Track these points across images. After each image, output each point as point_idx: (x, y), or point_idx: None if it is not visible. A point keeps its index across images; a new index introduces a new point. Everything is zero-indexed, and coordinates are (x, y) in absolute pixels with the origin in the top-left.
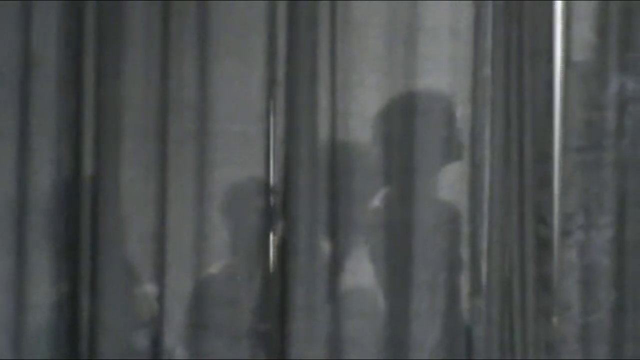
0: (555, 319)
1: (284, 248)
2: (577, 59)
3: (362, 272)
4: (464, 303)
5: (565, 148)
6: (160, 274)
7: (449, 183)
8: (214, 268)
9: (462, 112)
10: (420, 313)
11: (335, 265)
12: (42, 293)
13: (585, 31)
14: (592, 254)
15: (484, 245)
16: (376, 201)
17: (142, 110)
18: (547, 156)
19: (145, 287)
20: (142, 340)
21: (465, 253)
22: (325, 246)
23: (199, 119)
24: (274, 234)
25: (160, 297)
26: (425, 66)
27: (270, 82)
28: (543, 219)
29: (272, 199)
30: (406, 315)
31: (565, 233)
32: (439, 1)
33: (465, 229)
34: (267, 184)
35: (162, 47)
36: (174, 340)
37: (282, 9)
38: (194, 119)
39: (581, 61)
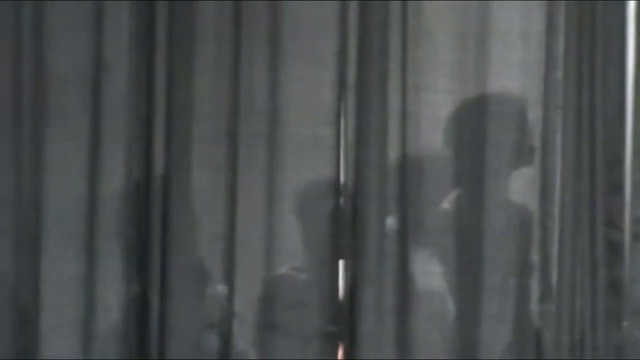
0: (625, 323)
1: (354, 250)
2: None
3: (431, 275)
4: (534, 307)
5: (636, 152)
6: (230, 275)
7: (520, 187)
8: (284, 269)
9: (533, 115)
10: (489, 317)
11: (405, 268)
12: (113, 294)
13: None
14: None
15: (554, 249)
16: (446, 204)
17: (212, 113)
18: (619, 161)
19: (216, 288)
20: (212, 341)
21: (535, 257)
22: (395, 249)
23: (269, 122)
24: (345, 237)
25: (230, 298)
26: (497, 69)
27: (341, 85)
28: (614, 223)
29: (342, 202)
30: (475, 318)
31: (636, 237)
32: (511, 4)
33: (535, 233)
34: (337, 186)
35: (233, 51)
36: (243, 341)
37: (353, 12)
38: (264, 122)
39: None
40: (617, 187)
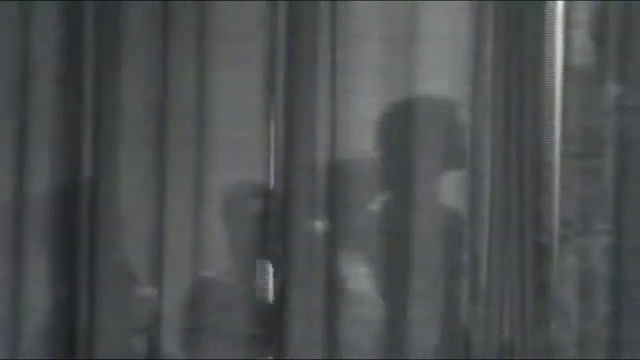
0: (553, 325)
1: (282, 253)
2: (576, 66)
3: (360, 278)
4: (463, 309)
5: (564, 155)
6: (157, 277)
7: (449, 190)
8: (211, 271)
9: (462, 118)
10: (418, 319)
11: (334, 271)
12: (40, 296)
13: (584, 37)
14: (591, 260)
15: (483, 251)
16: (375, 207)
17: (141, 115)
18: (547, 163)
19: (144, 290)
20: (140, 345)
21: (464, 259)
22: (323, 252)
23: (198, 125)
24: (272, 239)
25: (158, 301)
26: (425, 72)
27: (270, 89)
28: (542, 226)
29: (270, 204)
30: (404, 321)
31: (564, 239)
32: (439, 6)
33: (465, 235)
34: (266, 189)
35: (161, 53)
36: (171, 345)
37: (281, 13)
38: (193, 125)
39: (580, 68)
40: (545, 190)
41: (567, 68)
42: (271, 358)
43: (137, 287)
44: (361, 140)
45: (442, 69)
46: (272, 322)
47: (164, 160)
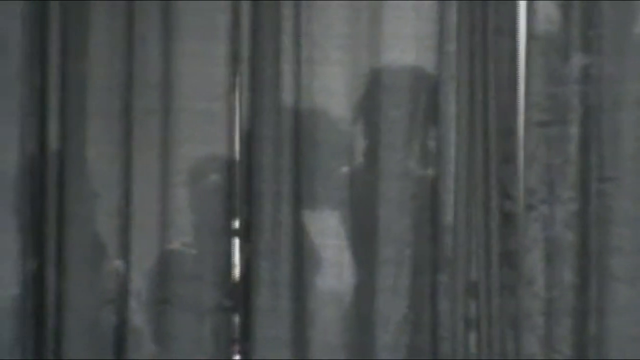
0: (519, 293)
1: (248, 224)
2: (540, 34)
3: (328, 247)
4: (429, 278)
5: (528, 123)
6: (126, 250)
7: (415, 158)
8: (176, 244)
9: (427, 87)
10: (385, 288)
11: (301, 241)
12: (9, 269)
13: (548, 6)
14: (556, 228)
15: (449, 220)
16: (342, 176)
17: (106, 88)
18: (511, 131)
19: (112, 263)
20: (108, 316)
21: (430, 228)
22: (290, 222)
23: (163, 97)
24: (239, 210)
25: (126, 273)
26: (390, 42)
27: (235, 59)
28: (507, 194)
29: (236, 176)
30: (372, 290)
31: (530, 207)
32: None
33: (431, 203)
34: (231, 160)
35: (126, 25)
36: (139, 317)
37: None
38: (158, 97)
39: (544, 36)
40: (510, 158)
41: (530, 36)
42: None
43: (106, 260)
44: (327, 110)
45: (407, 39)
46: (238, 292)
47: (130, 133)
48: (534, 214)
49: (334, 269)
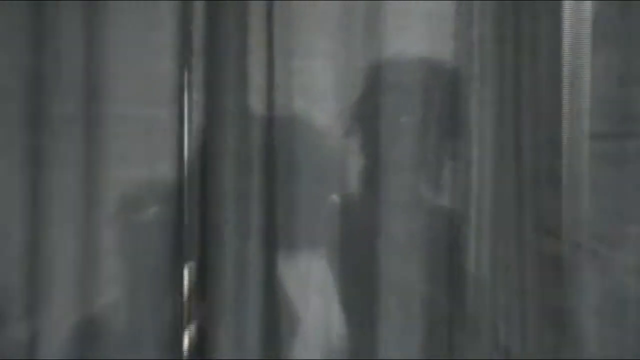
0: None
1: (202, 270)
2: (595, 17)
3: (310, 301)
4: (444, 342)
5: (577, 134)
6: (32, 311)
7: (427, 182)
8: (105, 299)
9: (442, 87)
10: (387, 356)
11: (273, 293)
12: None
13: None
14: (617, 275)
15: (469, 265)
16: (329, 206)
17: (6, 88)
18: (554, 145)
19: (14, 328)
20: None
21: (445, 276)
22: (259, 267)
23: (85, 100)
24: (189, 253)
25: (33, 342)
26: (394, 27)
27: (185, 50)
28: (549, 229)
29: (186, 207)
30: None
31: (579, 247)
32: None
33: (444, 243)
34: (179, 186)
35: (35, 6)
36: None
37: None
38: (78, 100)
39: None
40: (552, 181)
41: (581, 21)
42: None
43: (6, 324)
44: (310, 117)
45: (416, 22)
46: None
47: (39, 148)
48: (586, 256)
49: (318, 331)
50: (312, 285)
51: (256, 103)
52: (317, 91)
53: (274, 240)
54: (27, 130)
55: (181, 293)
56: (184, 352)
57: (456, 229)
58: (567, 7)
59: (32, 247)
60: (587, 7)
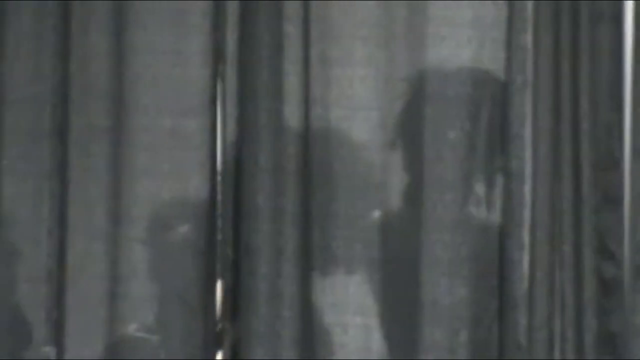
0: None
1: (234, 295)
2: None
3: (348, 327)
4: None
5: (638, 148)
6: (57, 333)
7: (475, 200)
8: (133, 327)
9: (491, 98)
10: None
11: (311, 320)
12: None
13: None
14: None
15: (523, 287)
16: (370, 224)
17: (31, 99)
18: (614, 161)
19: (38, 351)
20: None
21: (495, 301)
22: (294, 290)
23: (112, 111)
24: (222, 275)
25: None
26: (439, 34)
27: (216, 58)
28: (608, 251)
29: (217, 226)
30: None
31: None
32: None
33: (496, 265)
34: (210, 203)
35: (60, 12)
36: None
37: None
38: (105, 110)
39: None
40: (612, 200)
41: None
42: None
43: (30, 346)
44: (349, 131)
45: (462, 28)
46: None
47: (64, 163)
48: None
49: (356, 353)
50: (350, 309)
51: (291, 115)
52: (355, 102)
53: (309, 261)
54: (52, 142)
55: (213, 316)
56: None
57: (506, 249)
58: (630, 9)
59: (56, 266)
60: None
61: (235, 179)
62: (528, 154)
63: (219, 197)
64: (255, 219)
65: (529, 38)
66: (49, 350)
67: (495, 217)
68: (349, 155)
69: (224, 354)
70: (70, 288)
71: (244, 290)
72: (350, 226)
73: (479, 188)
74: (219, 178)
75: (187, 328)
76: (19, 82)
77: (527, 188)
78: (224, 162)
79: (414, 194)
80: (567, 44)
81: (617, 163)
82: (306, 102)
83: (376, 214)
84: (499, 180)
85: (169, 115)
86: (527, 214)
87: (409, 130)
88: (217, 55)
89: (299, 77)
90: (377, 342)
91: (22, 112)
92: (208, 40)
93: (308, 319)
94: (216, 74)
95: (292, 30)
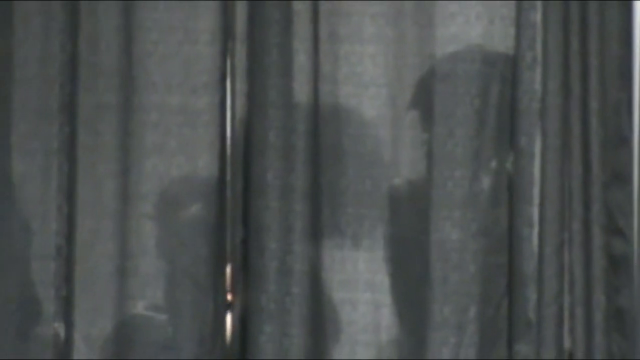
0: None
1: (244, 273)
2: None
3: (359, 303)
4: (503, 349)
5: None
6: (67, 309)
7: (484, 177)
8: (142, 305)
9: (499, 76)
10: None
11: (320, 297)
12: None
13: None
14: None
15: (532, 266)
16: (380, 200)
17: (40, 77)
18: (624, 139)
19: (48, 327)
20: None
21: (504, 278)
22: (305, 266)
23: (121, 89)
24: (231, 253)
25: (68, 342)
26: (448, 11)
27: (226, 35)
28: (617, 228)
29: (228, 203)
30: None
31: None
32: None
33: (506, 243)
34: (221, 181)
35: None
36: None
37: None
38: (114, 88)
39: None
40: (621, 177)
41: None
42: None
43: (41, 322)
44: (358, 107)
45: (470, 6)
46: None
47: (73, 140)
48: None
49: (368, 336)
50: (360, 285)
51: (301, 91)
52: (365, 79)
53: (319, 238)
54: (61, 120)
55: (223, 294)
56: (225, 353)
57: (516, 228)
58: None
59: (66, 242)
60: None
61: (245, 156)
62: (537, 131)
63: (228, 174)
64: (265, 196)
65: (538, 15)
66: (58, 327)
67: (505, 193)
68: (358, 132)
69: (233, 331)
70: (80, 265)
71: (254, 267)
72: (360, 203)
73: (489, 165)
74: (228, 155)
75: (196, 306)
76: (28, 60)
77: (537, 165)
78: (233, 140)
79: (424, 171)
80: (577, 21)
81: (626, 141)
82: (315, 79)
83: (385, 190)
84: (509, 157)
85: (178, 93)
86: (536, 191)
87: (419, 106)
88: (227, 32)
89: (308, 54)
90: (386, 319)
91: (31, 90)
92: (217, 17)
93: (317, 296)
94: (225, 51)
95: (301, 7)
